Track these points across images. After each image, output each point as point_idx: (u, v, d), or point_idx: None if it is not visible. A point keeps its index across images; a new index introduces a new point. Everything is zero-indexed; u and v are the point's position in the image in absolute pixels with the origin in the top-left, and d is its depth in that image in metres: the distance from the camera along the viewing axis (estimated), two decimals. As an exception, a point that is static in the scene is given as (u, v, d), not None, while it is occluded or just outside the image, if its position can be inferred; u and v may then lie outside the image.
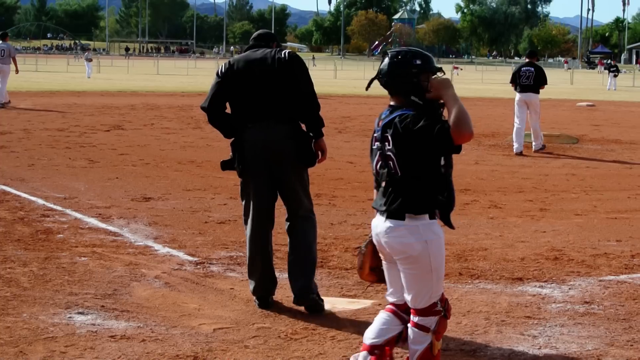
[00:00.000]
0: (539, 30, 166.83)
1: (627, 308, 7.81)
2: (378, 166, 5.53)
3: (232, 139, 7.72)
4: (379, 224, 5.53)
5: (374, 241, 5.66)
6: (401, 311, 5.73)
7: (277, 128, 7.48)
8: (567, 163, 18.41)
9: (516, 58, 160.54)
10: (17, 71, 31.99)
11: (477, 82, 64.82)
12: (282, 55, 7.55)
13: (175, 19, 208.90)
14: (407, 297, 5.60)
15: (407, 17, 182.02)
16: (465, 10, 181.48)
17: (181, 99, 36.65)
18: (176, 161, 17.07)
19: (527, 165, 18.11)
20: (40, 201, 12.41)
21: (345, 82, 59.25)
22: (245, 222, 7.80)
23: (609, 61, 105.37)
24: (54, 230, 10.54)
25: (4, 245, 9.74)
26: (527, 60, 21.36)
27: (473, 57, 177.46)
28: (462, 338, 7.04)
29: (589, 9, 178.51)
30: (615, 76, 61.95)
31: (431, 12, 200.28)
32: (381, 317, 5.77)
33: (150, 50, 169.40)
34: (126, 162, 16.54)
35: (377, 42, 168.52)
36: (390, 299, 5.81)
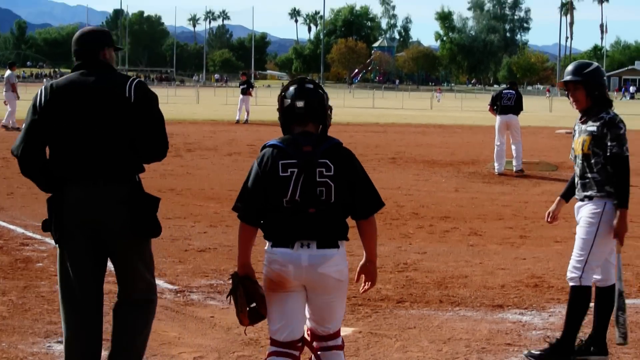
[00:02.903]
0: (517, 58, 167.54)
1: (607, 335, 7.82)
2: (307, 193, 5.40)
3: (50, 194, 5.86)
4: (305, 254, 5.37)
5: (283, 275, 5.41)
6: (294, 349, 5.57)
7: (107, 189, 5.67)
8: (547, 190, 18.47)
9: (495, 86, 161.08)
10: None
11: (456, 110, 65.01)
12: (126, 90, 5.66)
13: (155, 47, 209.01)
14: (328, 326, 5.58)
15: (386, 45, 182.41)
16: (444, 38, 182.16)
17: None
18: (156, 189, 16.99)
19: (506, 192, 18.17)
20: (20, 230, 12.36)
21: (325, 109, 59.17)
22: (61, 305, 6.03)
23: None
24: (33, 259, 10.49)
25: (-18, 274, 9.69)
26: (508, 86, 22.30)
27: (452, 84, 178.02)
28: (443, 365, 7.03)
29: (567, 37, 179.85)
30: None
31: (410, 40, 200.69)
32: None
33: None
34: (106, 190, 16.38)
35: (357, 70, 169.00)
36: (281, 339, 5.52)
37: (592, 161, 7.14)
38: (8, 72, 33.89)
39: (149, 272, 6.02)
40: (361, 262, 5.61)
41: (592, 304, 7.35)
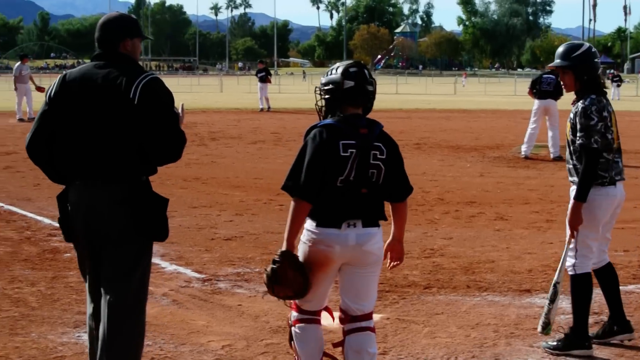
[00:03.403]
0: (541, 42, 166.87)
1: (637, 318, 7.80)
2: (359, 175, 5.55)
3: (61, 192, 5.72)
4: (353, 233, 5.54)
5: (330, 254, 5.56)
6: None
7: (105, 190, 5.41)
8: (573, 174, 18.36)
9: (519, 70, 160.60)
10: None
11: (480, 94, 64.81)
12: (132, 90, 5.34)
13: (178, 36, 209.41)
14: (363, 304, 5.72)
15: (409, 30, 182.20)
16: (467, 23, 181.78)
17: (185, 116, 36.53)
18: (181, 178, 17.07)
19: (532, 176, 18.10)
20: (47, 220, 12.42)
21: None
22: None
23: (611, 71, 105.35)
24: (61, 250, 10.54)
25: (11, 265, 9.75)
26: (548, 69, 21.88)
27: (475, 69, 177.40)
28: (471, 351, 7.03)
29: (590, 19, 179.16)
30: (618, 86, 61.96)
31: (433, 25, 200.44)
32: (313, 333, 5.80)
33: (153, 68, 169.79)
34: (131, 180, 16.43)
35: (379, 56, 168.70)
36: (308, 308, 5.77)
37: (572, 148, 7.03)
38: (18, 63, 33.92)
39: (141, 282, 5.54)
40: (388, 241, 5.85)
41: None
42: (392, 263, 5.90)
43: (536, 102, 21.23)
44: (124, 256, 5.42)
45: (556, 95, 20.88)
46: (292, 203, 5.49)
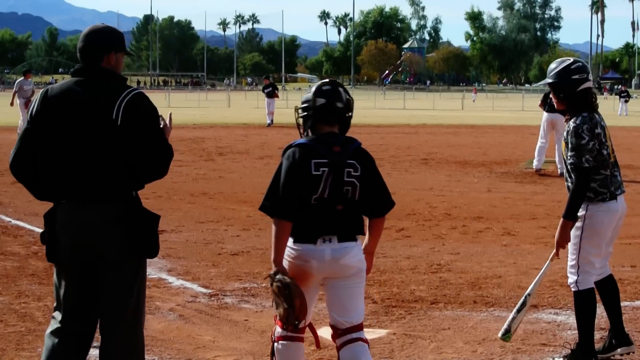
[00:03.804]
0: (549, 57, 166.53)
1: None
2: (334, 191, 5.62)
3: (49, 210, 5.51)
4: (328, 248, 5.61)
5: (307, 269, 5.64)
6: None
7: (93, 210, 5.26)
8: (580, 189, 18.35)
9: (527, 85, 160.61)
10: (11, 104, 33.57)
11: (488, 110, 64.80)
12: (114, 111, 5.18)
13: (186, 51, 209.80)
14: (351, 316, 5.74)
15: (416, 46, 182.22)
16: (474, 39, 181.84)
17: (193, 131, 36.69)
18: (189, 193, 17.09)
19: (539, 192, 18.09)
20: (54, 235, 12.40)
21: (356, 112, 58.85)
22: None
23: (619, 86, 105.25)
24: (68, 264, 10.53)
25: (18, 280, 9.76)
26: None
27: (483, 84, 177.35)
28: (478, 366, 7.01)
29: (598, 35, 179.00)
30: (626, 102, 61.96)
31: (441, 41, 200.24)
32: (295, 350, 5.84)
33: (161, 84, 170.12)
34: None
35: (387, 72, 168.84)
36: (300, 325, 5.77)
37: (568, 167, 6.98)
38: (20, 78, 33.84)
39: (136, 318, 5.44)
40: None
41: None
42: None
43: (544, 115, 21.31)
44: (123, 276, 5.32)
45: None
46: (273, 223, 5.57)
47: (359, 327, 5.76)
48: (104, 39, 5.37)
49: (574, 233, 7.00)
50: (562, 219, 6.85)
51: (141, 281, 5.45)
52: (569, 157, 6.84)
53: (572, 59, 7.12)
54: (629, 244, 11.89)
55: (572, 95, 6.94)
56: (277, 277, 5.50)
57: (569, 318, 8.38)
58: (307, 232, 5.60)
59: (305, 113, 5.74)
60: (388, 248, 11.62)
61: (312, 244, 5.59)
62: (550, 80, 7.02)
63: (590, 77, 7.12)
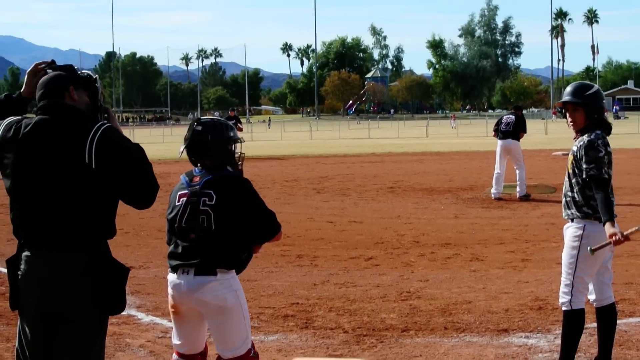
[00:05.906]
0: (511, 83, 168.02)
1: (615, 355, 7.81)
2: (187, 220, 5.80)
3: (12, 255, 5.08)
4: (184, 280, 5.75)
5: (172, 300, 5.84)
6: None
7: (60, 261, 4.85)
8: (546, 212, 18.47)
9: (490, 111, 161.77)
10: None
11: (452, 137, 65.13)
12: (86, 154, 4.80)
13: (149, 87, 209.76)
14: (232, 349, 5.84)
15: (379, 75, 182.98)
16: (437, 66, 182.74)
17: (158, 166, 36.59)
18: (156, 229, 17.01)
19: (506, 216, 18.16)
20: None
21: (321, 142, 59.31)
22: None
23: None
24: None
25: (-15, 322, 9.66)
26: (511, 111, 22.48)
27: (447, 111, 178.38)
28: (451, 392, 7.01)
29: (559, 60, 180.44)
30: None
31: (403, 70, 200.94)
32: None
33: (125, 120, 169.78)
34: (106, 232, 16.33)
35: (351, 102, 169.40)
36: (181, 350, 6.01)
37: (573, 181, 7.15)
38: None
39: None
40: None
41: (594, 325, 7.35)
42: None
43: (498, 142, 21.57)
44: (80, 333, 4.90)
45: (515, 135, 21.35)
46: None
47: (245, 357, 5.85)
48: (65, 76, 5.07)
49: (570, 252, 7.12)
50: (607, 223, 6.81)
51: (102, 338, 5.07)
52: (587, 170, 6.98)
53: (594, 84, 7.40)
54: None
55: (601, 117, 7.22)
56: None
57: (540, 341, 8.40)
58: (171, 262, 5.81)
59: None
60: (357, 277, 11.62)
61: (174, 273, 5.78)
62: (583, 101, 7.18)
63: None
